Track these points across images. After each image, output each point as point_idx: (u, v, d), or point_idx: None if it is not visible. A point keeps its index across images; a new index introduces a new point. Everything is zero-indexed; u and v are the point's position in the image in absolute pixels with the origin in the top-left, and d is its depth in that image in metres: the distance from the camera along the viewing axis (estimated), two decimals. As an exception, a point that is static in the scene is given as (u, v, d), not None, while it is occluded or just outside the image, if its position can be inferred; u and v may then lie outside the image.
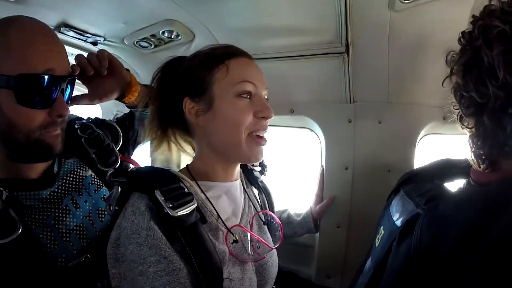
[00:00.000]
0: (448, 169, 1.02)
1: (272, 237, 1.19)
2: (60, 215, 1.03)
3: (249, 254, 1.05)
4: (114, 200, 0.93)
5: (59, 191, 1.07)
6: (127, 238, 0.83)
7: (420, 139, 1.57)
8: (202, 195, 1.01)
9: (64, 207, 1.05)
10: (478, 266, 0.62)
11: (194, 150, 1.16)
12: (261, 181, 1.33)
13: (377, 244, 0.98)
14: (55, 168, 1.11)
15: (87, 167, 1.19)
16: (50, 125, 0.98)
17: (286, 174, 2.29)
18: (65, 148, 1.15)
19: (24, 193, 1.00)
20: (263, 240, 1.09)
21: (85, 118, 1.31)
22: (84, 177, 1.16)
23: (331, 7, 1.25)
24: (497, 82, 0.71)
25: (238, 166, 1.12)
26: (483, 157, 0.81)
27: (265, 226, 1.19)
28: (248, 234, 1.07)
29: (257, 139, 1.01)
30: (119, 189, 0.93)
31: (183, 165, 1.12)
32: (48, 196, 1.04)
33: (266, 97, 1.07)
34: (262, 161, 1.43)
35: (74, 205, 1.08)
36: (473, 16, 0.77)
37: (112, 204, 0.93)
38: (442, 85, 0.87)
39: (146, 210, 0.85)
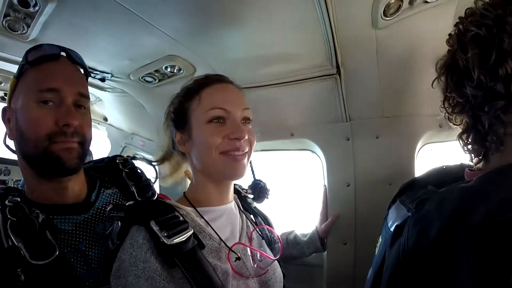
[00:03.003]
0: (444, 175, 1.03)
1: (272, 251, 1.22)
2: (91, 242, 1.07)
3: (251, 269, 1.08)
4: (115, 235, 0.98)
5: (93, 218, 1.11)
6: (126, 270, 0.88)
7: (419, 149, 1.60)
8: (200, 220, 1.07)
9: (95, 235, 1.09)
10: (463, 257, 0.64)
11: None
12: (255, 207, 1.37)
13: (376, 253, 1.01)
14: (93, 197, 1.16)
15: (123, 200, 1.24)
16: (58, 136, 1.01)
17: (291, 196, 2.32)
18: (106, 178, 1.25)
19: (59, 217, 1.05)
20: (264, 253, 1.12)
21: (125, 156, 1.40)
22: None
23: (318, 32, 1.32)
24: (472, 83, 0.75)
25: (231, 187, 1.18)
26: (472, 152, 0.85)
27: (264, 241, 1.23)
28: (248, 249, 1.11)
29: (233, 157, 1.06)
30: (119, 223, 0.98)
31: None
32: (82, 222, 1.08)
33: (248, 116, 1.12)
34: (265, 185, 1.49)
35: (105, 234, 1.10)
36: (459, 17, 0.82)
37: (113, 239, 0.98)
38: (432, 86, 0.91)
39: (143, 243, 0.91)
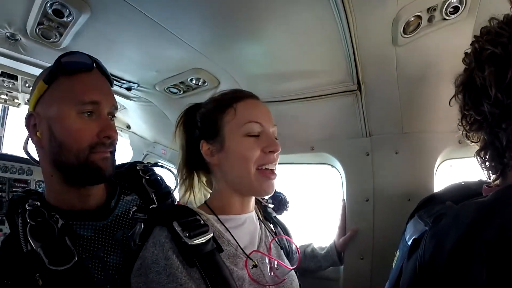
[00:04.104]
0: (462, 191, 1.02)
1: (290, 261, 1.24)
2: (110, 248, 1.08)
3: (268, 277, 1.10)
4: (137, 236, 1.01)
5: (112, 225, 1.12)
6: (148, 267, 0.91)
7: (439, 165, 1.59)
8: (220, 226, 1.09)
9: (114, 242, 1.10)
10: (477, 269, 0.64)
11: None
12: (275, 217, 1.39)
13: (393, 266, 1.01)
14: (112, 203, 1.17)
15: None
16: (98, 146, 1.04)
17: (310, 209, 2.32)
18: (126, 185, 1.26)
19: (79, 222, 1.06)
20: (281, 262, 1.14)
21: (146, 163, 1.41)
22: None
23: (340, 49, 1.35)
24: (490, 101, 0.76)
25: (253, 198, 1.20)
26: (490, 169, 0.84)
27: (282, 251, 1.24)
28: (266, 258, 1.13)
29: (266, 173, 1.09)
30: (142, 225, 1.02)
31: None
32: (101, 228, 1.09)
33: (275, 133, 1.15)
34: (284, 197, 1.50)
35: (124, 241, 1.12)
36: (474, 36, 0.83)
37: (136, 239, 1.01)
38: (450, 104, 0.91)
39: (165, 242, 0.94)
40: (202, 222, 1.02)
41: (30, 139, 1.09)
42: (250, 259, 1.06)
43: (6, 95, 3.05)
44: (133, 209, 1.08)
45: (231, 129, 1.10)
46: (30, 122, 1.07)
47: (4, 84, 2.72)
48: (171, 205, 1.20)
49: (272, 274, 1.11)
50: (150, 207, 1.19)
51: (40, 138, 1.05)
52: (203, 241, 0.96)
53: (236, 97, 1.16)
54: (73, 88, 1.03)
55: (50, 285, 0.90)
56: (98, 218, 1.10)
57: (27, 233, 0.93)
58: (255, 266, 1.06)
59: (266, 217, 1.35)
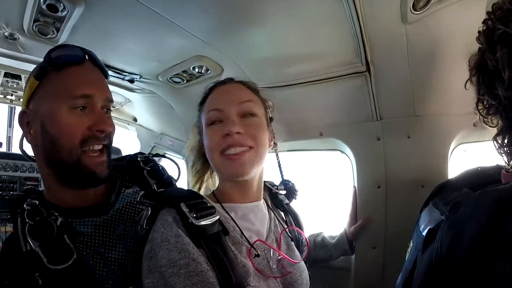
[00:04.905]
0: (479, 177, 0.97)
1: (300, 253, 1.20)
2: (111, 243, 1.06)
3: (272, 269, 1.07)
4: (144, 220, 0.99)
5: (113, 219, 1.10)
6: (157, 246, 0.90)
7: (453, 149, 1.53)
8: (226, 214, 1.07)
9: (116, 237, 1.08)
10: (499, 263, 0.59)
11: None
12: (287, 204, 1.36)
13: (406, 258, 0.97)
14: (113, 197, 1.15)
15: None
16: (91, 140, 1.01)
17: (319, 197, 2.29)
18: (127, 177, 1.24)
19: (78, 219, 1.04)
20: (284, 255, 1.10)
21: (147, 154, 1.40)
22: (140, 209, 1.17)
23: (346, 29, 1.29)
24: (503, 84, 0.71)
25: (254, 185, 1.15)
26: (508, 154, 0.80)
27: (293, 243, 1.21)
28: (271, 249, 1.10)
29: (228, 156, 1.05)
30: (149, 209, 1.00)
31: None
32: (101, 224, 1.07)
33: (248, 109, 1.10)
34: (293, 186, 1.46)
35: (126, 235, 1.10)
36: (487, 13, 0.77)
37: (143, 224, 0.99)
38: (465, 87, 0.86)
39: (173, 221, 0.93)
40: (208, 204, 1.01)
41: (25, 137, 1.07)
42: (254, 248, 1.04)
43: (12, 95, 3.11)
44: (141, 193, 1.06)
45: (203, 122, 1.14)
46: (24, 120, 1.05)
47: (9, 85, 2.78)
48: (179, 188, 1.19)
49: (278, 265, 1.09)
50: (158, 190, 1.18)
51: (34, 136, 1.03)
52: (210, 222, 0.96)
53: (208, 90, 1.19)
54: (64, 83, 1.00)
55: (50, 284, 0.89)
56: (98, 213, 1.09)
57: (26, 233, 0.93)
58: (257, 255, 1.04)
59: (276, 204, 1.32)
